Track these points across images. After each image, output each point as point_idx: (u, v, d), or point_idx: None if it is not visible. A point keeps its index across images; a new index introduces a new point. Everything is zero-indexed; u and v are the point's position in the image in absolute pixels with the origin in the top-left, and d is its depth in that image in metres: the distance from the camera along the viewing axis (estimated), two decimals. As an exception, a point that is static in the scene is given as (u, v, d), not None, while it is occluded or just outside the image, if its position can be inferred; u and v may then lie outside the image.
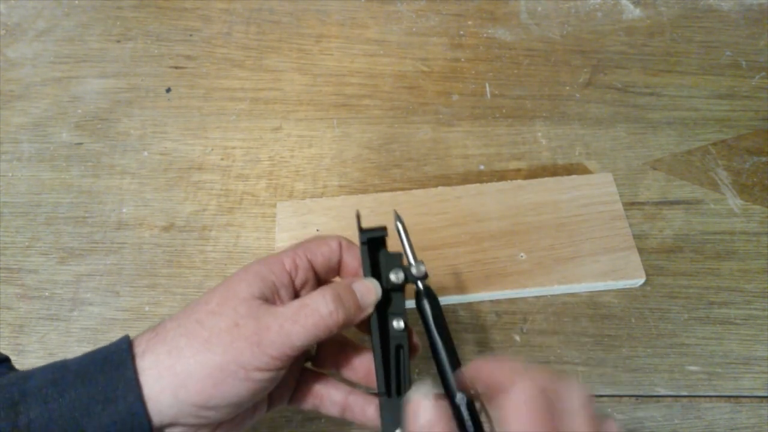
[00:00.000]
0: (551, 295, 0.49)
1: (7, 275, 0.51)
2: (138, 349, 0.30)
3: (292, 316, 0.31)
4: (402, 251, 0.35)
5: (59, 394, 0.29)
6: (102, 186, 0.55)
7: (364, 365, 0.36)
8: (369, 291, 0.34)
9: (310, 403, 0.36)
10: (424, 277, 0.35)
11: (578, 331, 0.48)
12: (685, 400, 0.45)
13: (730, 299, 0.49)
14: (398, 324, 0.34)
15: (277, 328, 0.30)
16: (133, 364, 0.30)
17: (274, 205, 0.54)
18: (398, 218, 0.36)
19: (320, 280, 0.36)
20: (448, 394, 0.32)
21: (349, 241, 0.36)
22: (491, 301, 0.49)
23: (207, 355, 0.30)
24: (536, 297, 0.49)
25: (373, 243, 0.35)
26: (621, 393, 0.45)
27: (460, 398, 0.32)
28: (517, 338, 0.47)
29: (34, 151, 0.58)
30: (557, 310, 0.49)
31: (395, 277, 0.34)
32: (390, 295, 0.35)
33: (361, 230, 0.35)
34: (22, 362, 0.47)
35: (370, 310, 0.34)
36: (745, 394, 0.45)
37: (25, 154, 0.58)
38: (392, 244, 0.36)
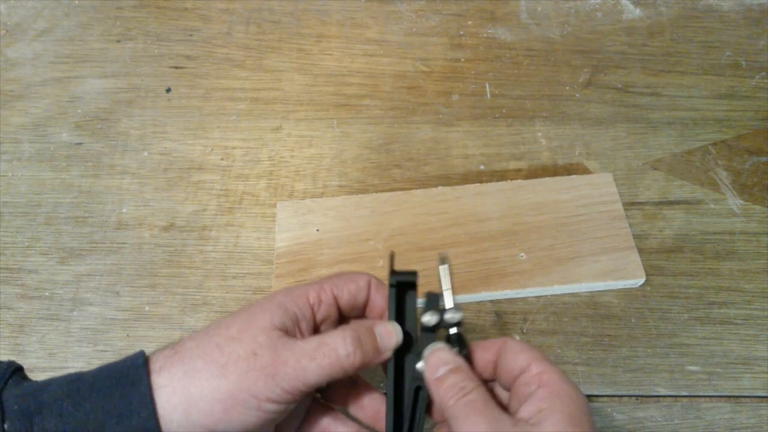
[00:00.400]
0: (551, 295, 0.49)
1: (7, 275, 0.51)
2: (155, 365, 0.31)
3: (310, 352, 0.31)
4: (440, 291, 0.34)
5: (74, 408, 0.29)
6: (102, 186, 0.55)
7: (373, 406, 0.36)
8: (390, 335, 0.33)
9: None
10: (458, 324, 0.34)
11: (578, 331, 0.48)
12: (685, 400, 0.45)
13: (730, 299, 0.49)
14: (420, 365, 0.33)
15: (293, 362, 0.30)
16: (148, 381, 0.30)
17: (274, 205, 0.54)
18: (444, 260, 0.35)
19: (343, 316, 0.36)
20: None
21: (379, 281, 0.36)
22: (491, 301, 0.49)
23: (221, 380, 0.30)
24: (536, 297, 0.49)
25: (402, 286, 0.34)
26: (621, 393, 0.45)
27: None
28: (517, 338, 0.47)
29: (34, 151, 0.58)
30: (557, 310, 0.49)
31: (429, 318, 0.33)
32: (414, 335, 0.34)
33: (393, 272, 0.34)
34: (22, 362, 0.46)
35: (388, 354, 0.33)
36: (745, 394, 0.45)
37: (25, 154, 0.57)
38: (426, 282, 0.35)
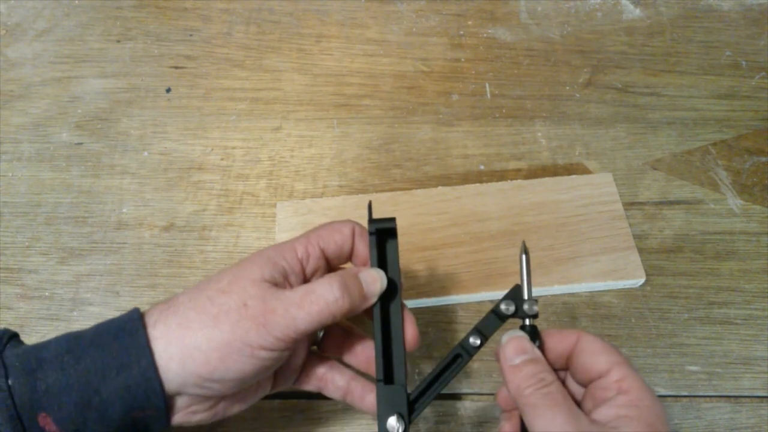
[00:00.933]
0: (551, 295, 0.49)
1: (7, 275, 0.51)
2: (150, 319, 0.32)
3: (298, 301, 0.32)
4: (522, 283, 0.35)
5: (75, 361, 0.30)
6: (102, 186, 0.55)
7: (365, 353, 0.37)
8: (375, 281, 0.34)
9: (314, 385, 0.38)
10: (534, 316, 0.35)
11: (578, 331, 0.48)
12: (685, 400, 0.45)
13: (730, 299, 0.49)
14: (474, 340, 0.35)
15: (282, 311, 0.31)
16: (145, 332, 0.31)
17: (274, 205, 0.54)
18: (525, 251, 0.35)
19: (331, 266, 0.37)
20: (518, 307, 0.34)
21: (362, 227, 0.37)
22: (491, 301, 0.49)
23: (215, 330, 0.31)
24: (536, 297, 0.49)
25: (382, 234, 0.36)
26: (621, 393, 0.45)
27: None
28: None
29: (34, 151, 0.58)
30: (557, 310, 0.49)
31: (505, 308, 0.35)
32: (398, 281, 0.36)
33: (371, 221, 0.35)
34: (22, 362, 0.47)
35: (374, 299, 0.34)
36: (745, 394, 0.45)
37: (25, 154, 0.57)
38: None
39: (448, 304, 0.49)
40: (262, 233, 0.53)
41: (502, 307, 0.35)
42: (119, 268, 0.51)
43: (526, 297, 0.35)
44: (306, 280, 0.35)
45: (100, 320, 0.48)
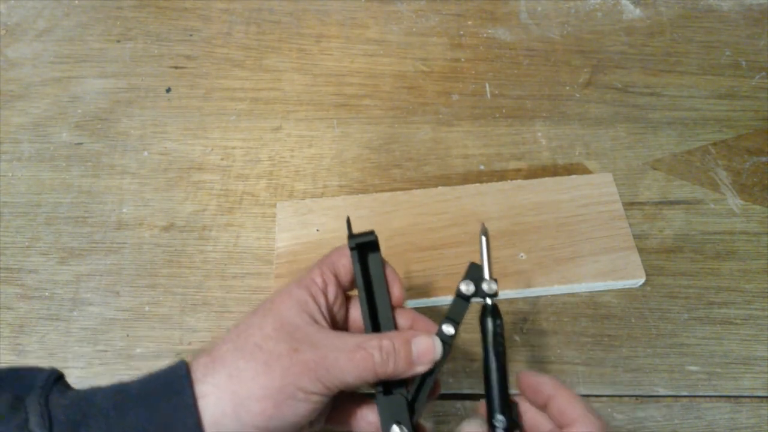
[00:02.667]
0: (551, 295, 0.49)
1: (7, 275, 0.51)
2: (197, 374, 0.31)
3: (348, 354, 0.32)
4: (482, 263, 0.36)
5: (120, 418, 0.30)
6: (102, 186, 0.55)
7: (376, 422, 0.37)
8: (427, 353, 0.34)
9: (344, 422, 0.37)
10: (493, 295, 0.35)
11: (578, 331, 0.48)
12: (685, 400, 0.45)
13: (730, 299, 0.49)
14: (448, 329, 0.35)
15: (333, 359, 0.31)
16: (192, 390, 0.30)
17: (274, 205, 0.54)
18: (484, 232, 0.36)
19: (344, 290, 0.37)
20: (490, 416, 0.33)
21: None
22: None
23: (267, 377, 0.31)
24: (536, 297, 0.49)
25: (363, 247, 0.36)
26: (621, 393, 0.45)
27: (499, 420, 0.33)
28: (517, 338, 0.47)
29: (34, 151, 0.58)
30: (557, 310, 0.49)
31: (465, 288, 0.35)
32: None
33: (351, 236, 0.35)
34: (23, 362, 0.47)
35: (421, 369, 0.34)
36: (745, 394, 0.45)
37: (25, 154, 0.57)
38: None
39: (448, 304, 0.49)
40: (262, 233, 0.53)
41: (462, 287, 0.35)
42: (119, 268, 0.51)
43: (486, 276, 0.35)
44: (329, 308, 0.35)
45: (100, 320, 0.48)
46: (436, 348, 0.34)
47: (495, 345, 0.34)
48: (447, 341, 0.34)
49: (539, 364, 0.46)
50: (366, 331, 0.35)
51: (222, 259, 0.51)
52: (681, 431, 0.44)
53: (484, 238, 0.36)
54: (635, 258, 0.49)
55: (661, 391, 0.45)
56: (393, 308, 0.36)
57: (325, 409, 0.36)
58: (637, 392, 0.45)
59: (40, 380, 0.31)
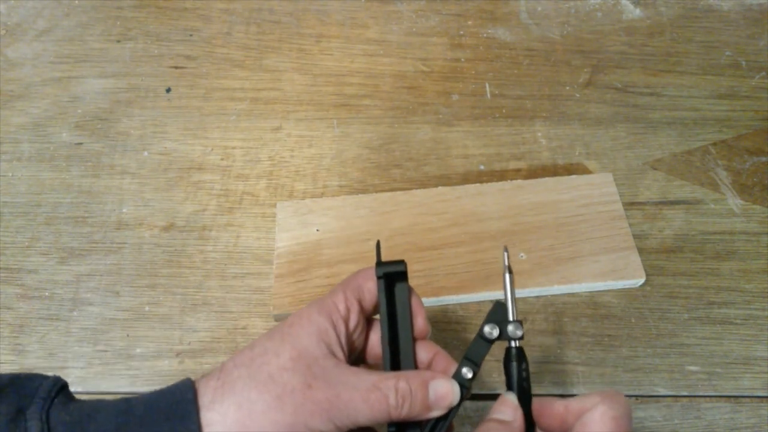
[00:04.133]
0: (551, 295, 0.49)
1: (7, 275, 0.51)
2: (203, 399, 0.30)
3: (363, 394, 0.31)
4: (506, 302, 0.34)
5: None
6: (102, 186, 0.55)
7: None
8: (445, 397, 0.32)
9: None
10: (519, 338, 0.34)
11: (578, 331, 0.48)
12: (685, 400, 0.45)
13: (730, 299, 0.49)
14: (467, 372, 0.33)
15: (346, 399, 0.31)
16: (198, 417, 0.30)
17: (274, 205, 0.54)
18: (509, 269, 0.34)
19: (366, 316, 0.36)
20: None
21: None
22: (491, 301, 0.49)
23: (279, 413, 0.30)
24: (536, 297, 0.49)
25: (391, 277, 0.35)
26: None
27: None
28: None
29: (34, 151, 0.58)
30: (557, 310, 0.49)
31: (489, 331, 0.34)
32: (409, 326, 0.35)
33: (379, 263, 0.34)
34: (22, 362, 0.47)
35: (437, 414, 0.33)
36: (745, 394, 0.45)
37: (25, 154, 0.57)
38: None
39: (448, 304, 0.49)
40: (262, 233, 0.53)
41: (486, 330, 0.34)
42: (119, 268, 0.51)
43: (510, 318, 0.34)
44: (349, 335, 0.34)
45: (100, 320, 0.48)
46: (454, 393, 0.32)
47: (520, 390, 0.33)
48: (465, 384, 0.33)
49: (539, 364, 0.46)
50: (384, 364, 0.34)
51: (222, 259, 0.51)
52: (681, 431, 0.44)
53: (508, 276, 0.34)
54: (635, 258, 0.49)
55: (661, 391, 0.45)
56: (414, 340, 0.35)
57: None
58: (637, 392, 0.45)
59: (43, 391, 0.30)
